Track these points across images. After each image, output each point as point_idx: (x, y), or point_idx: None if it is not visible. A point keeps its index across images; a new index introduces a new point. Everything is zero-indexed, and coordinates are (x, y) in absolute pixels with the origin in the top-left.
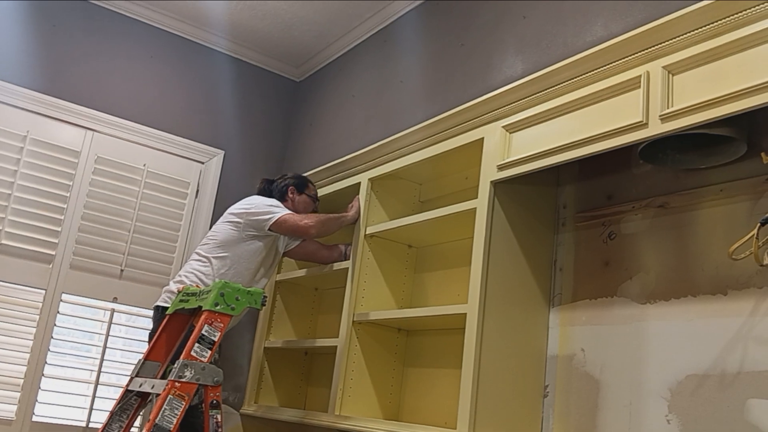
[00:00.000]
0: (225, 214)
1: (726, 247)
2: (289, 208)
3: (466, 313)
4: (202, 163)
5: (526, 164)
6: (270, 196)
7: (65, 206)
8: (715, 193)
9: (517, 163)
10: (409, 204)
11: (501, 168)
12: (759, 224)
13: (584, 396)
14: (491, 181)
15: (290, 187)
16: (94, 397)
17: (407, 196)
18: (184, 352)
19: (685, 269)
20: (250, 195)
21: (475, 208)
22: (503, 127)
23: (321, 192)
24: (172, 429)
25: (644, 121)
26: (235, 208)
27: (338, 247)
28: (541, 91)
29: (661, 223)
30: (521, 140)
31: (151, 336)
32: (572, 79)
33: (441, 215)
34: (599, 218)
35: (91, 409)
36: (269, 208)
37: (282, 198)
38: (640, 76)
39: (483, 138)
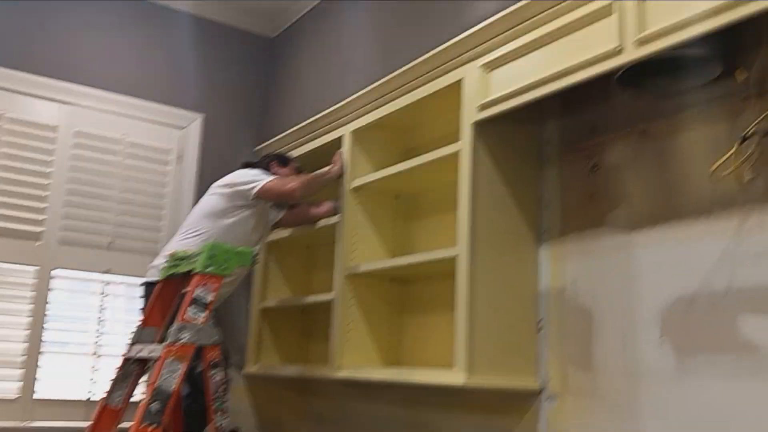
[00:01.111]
0: (211, 187)
1: (708, 169)
2: None
3: (456, 257)
4: (182, 128)
5: (506, 102)
6: (254, 167)
7: (49, 182)
8: (694, 115)
9: (497, 102)
10: (393, 153)
11: (482, 108)
12: (738, 141)
13: (578, 327)
14: (473, 122)
15: (272, 161)
16: (94, 369)
17: (391, 145)
18: (179, 315)
19: (669, 194)
20: (233, 159)
21: (459, 151)
22: (481, 66)
23: (304, 149)
24: (173, 390)
25: (620, 47)
26: (221, 181)
27: (328, 203)
28: (516, 26)
29: (643, 150)
30: (500, 78)
31: (142, 311)
32: (546, 10)
33: (425, 161)
34: (583, 151)
35: (93, 381)
36: (253, 177)
37: (265, 171)
38: (611, 3)
39: (462, 79)
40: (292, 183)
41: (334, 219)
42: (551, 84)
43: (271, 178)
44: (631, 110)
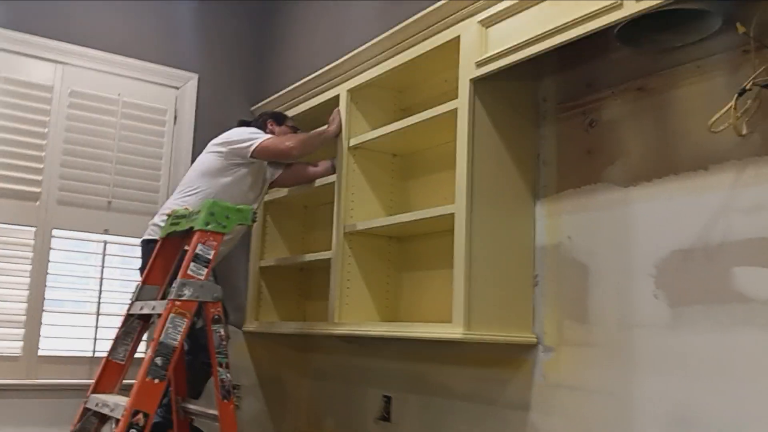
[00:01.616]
0: (208, 145)
1: (705, 124)
2: None
3: (453, 213)
4: (177, 88)
5: (504, 58)
6: (248, 125)
7: (45, 142)
8: (692, 70)
9: (495, 58)
10: (390, 113)
11: (479, 65)
12: (736, 95)
13: (573, 281)
14: (470, 79)
15: (269, 120)
16: (96, 327)
17: (388, 104)
18: (180, 272)
19: (666, 149)
20: (229, 119)
21: (456, 109)
22: (479, 22)
23: (300, 108)
24: (176, 345)
25: (619, 2)
26: (217, 139)
27: (325, 162)
28: None
29: (640, 106)
30: (498, 34)
31: (141, 271)
32: None
33: (422, 119)
34: (580, 107)
35: (96, 338)
36: (250, 135)
37: (261, 130)
38: None
39: (459, 36)
40: (289, 141)
41: (331, 178)
42: (549, 39)
43: (268, 136)
44: (628, 66)
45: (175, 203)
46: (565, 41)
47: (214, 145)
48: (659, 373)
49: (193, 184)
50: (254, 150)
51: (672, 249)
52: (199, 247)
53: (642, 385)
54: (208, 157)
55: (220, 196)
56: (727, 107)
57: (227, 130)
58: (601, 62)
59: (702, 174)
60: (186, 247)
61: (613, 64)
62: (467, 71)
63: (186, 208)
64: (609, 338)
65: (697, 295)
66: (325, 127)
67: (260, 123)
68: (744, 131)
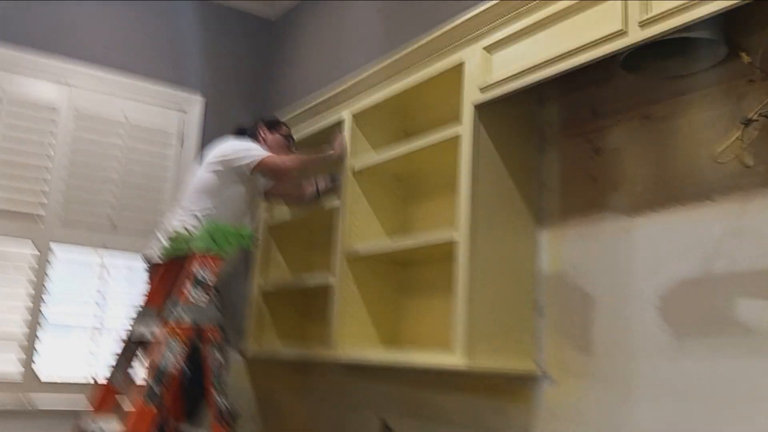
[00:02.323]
0: (204, 162)
1: (711, 153)
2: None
3: (455, 239)
4: (185, 112)
5: (508, 84)
6: (242, 132)
7: (50, 164)
8: (698, 99)
9: (499, 84)
10: (394, 135)
11: (483, 90)
12: (742, 125)
13: (577, 311)
14: (474, 104)
15: (260, 126)
16: (95, 347)
17: (392, 127)
18: (179, 296)
19: (671, 178)
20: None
21: (459, 134)
22: (483, 48)
23: (304, 131)
24: (172, 370)
25: (624, 30)
26: (213, 156)
27: (310, 187)
28: (518, 8)
29: (645, 134)
30: (502, 60)
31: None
32: None
33: (425, 144)
34: (584, 134)
35: (94, 359)
36: (248, 152)
37: (254, 138)
38: None
39: (463, 62)
40: (289, 162)
41: (334, 202)
42: (554, 66)
43: (267, 154)
44: (633, 93)
45: (175, 223)
46: (569, 68)
47: (210, 164)
48: (662, 404)
49: (192, 203)
50: (255, 167)
51: (676, 279)
52: (198, 270)
53: (645, 417)
54: (206, 176)
55: (220, 213)
56: (733, 138)
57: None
58: (606, 89)
59: (707, 204)
60: (186, 269)
61: (619, 91)
62: (471, 96)
63: (186, 232)
64: (612, 369)
65: (701, 326)
66: (329, 150)
67: (252, 129)
68: (750, 162)
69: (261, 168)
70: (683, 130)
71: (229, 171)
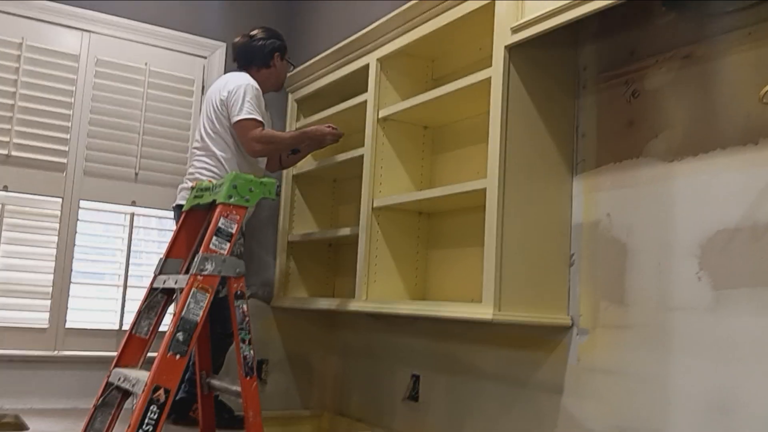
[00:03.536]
0: (209, 101)
1: (756, 95)
2: (266, 77)
3: (485, 188)
4: (205, 57)
5: (542, 23)
6: (252, 57)
7: (71, 112)
8: (742, 37)
9: (532, 23)
10: (422, 83)
11: (515, 30)
12: None
13: (611, 261)
14: (505, 46)
15: (276, 53)
16: (124, 299)
17: (420, 74)
18: (203, 246)
19: (713, 121)
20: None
21: (490, 77)
22: None
23: (330, 78)
24: (198, 321)
25: None
26: (217, 95)
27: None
28: None
29: (686, 75)
30: None
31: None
32: None
33: (455, 89)
34: (622, 76)
35: (123, 311)
36: (243, 102)
37: (266, 64)
38: None
39: (494, 0)
40: (259, 144)
41: (360, 151)
42: (590, 3)
43: (249, 116)
44: (675, 32)
45: (197, 171)
46: (607, 5)
47: (217, 104)
48: (700, 357)
49: (209, 147)
50: (235, 123)
51: (717, 228)
52: (222, 220)
53: (681, 370)
54: (215, 116)
55: (237, 153)
56: None
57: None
58: (645, 28)
59: (751, 148)
60: (210, 219)
61: (659, 31)
62: (502, 38)
63: (210, 181)
64: (647, 320)
65: (743, 277)
66: (314, 129)
67: (268, 53)
68: None
69: (237, 127)
70: (726, 71)
71: (225, 115)
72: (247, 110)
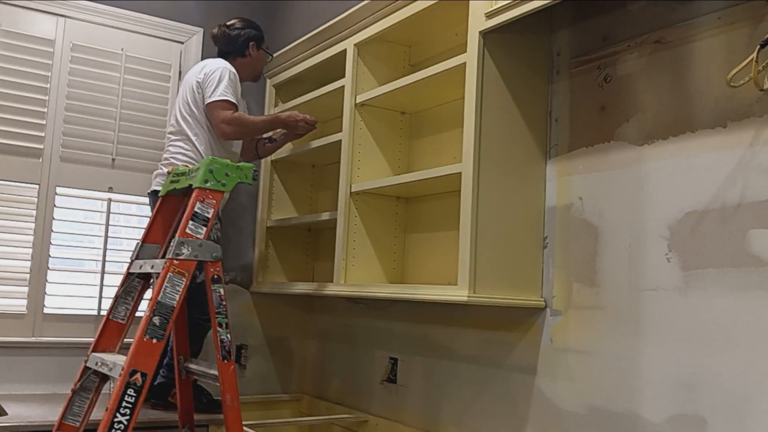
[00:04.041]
0: (186, 84)
1: (725, 79)
2: (242, 66)
3: (460, 173)
4: (182, 42)
5: (515, 8)
6: (228, 47)
7: (47, 98)
8: (712, 21)
9: (505, 9)
10: (399, 69)
11: (489, 16)
12: (758, 47)
13: (583, 243)
14: (480, 32)
15: (252, 42)
16: (101, 285)
17: (397, 60)
18: (179, 230)
19: (683, 106)
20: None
21: (465, 63)
22: None
23: (307, 64)
24: (175, 305)
25: None
26: (194, 78)
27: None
28: None
29: (657, 60)
30: None
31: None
32: None
33: (431, 74)
34: (594, 61)
35: (100, 296)
36: (217, 84)
37: (241, 53)
38: None
39: None
40: (230, 126)
41: (338, 136)
42: None
43: (222, 98)
44: (645, 17)
45: (172, 157)
46: None
47: (192, 86)
48: (669, 337)
49: (184, 130)
50: (208, 104)
51: (686, 210)
52: (198, 205)
53: (651, 350)
54: (191, 98)
55: (211, 137)
56: (747, 60)
57: None
58: (618, 13)
59: (720, 131)
60: (186, 204)
61: (631, 16)
62: (477, 23)
63: (186, 165)
64: (619, 302)
65: (711, 258)
66: (287, 114)
67: (243, 42)
68: (766, 86)
69: (209, 108)
70: (696, 55)
71: (200, 97)
72: (221, 92)
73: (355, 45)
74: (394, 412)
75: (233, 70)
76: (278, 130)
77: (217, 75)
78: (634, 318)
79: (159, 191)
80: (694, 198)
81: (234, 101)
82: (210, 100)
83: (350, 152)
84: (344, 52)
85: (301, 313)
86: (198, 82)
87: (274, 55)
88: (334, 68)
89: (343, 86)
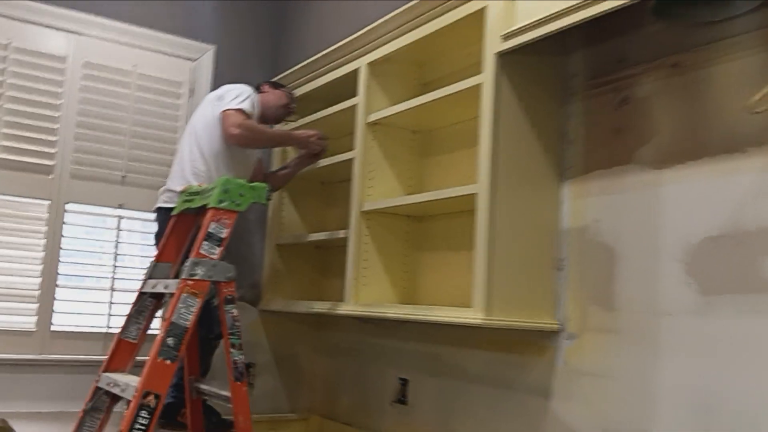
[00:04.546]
0: (207, 99)
1: (743, 103)
2: (261, 100)
3: (476, 194)
4: (194, 60)
5: (533, 31)
6: None
7: (58, 115)
8: (730, 47)
9: (523, 31)
10: (411, 88)
11: (506, 38)
12: None
13: (599, 266)
14: (496, 53)
15: (264, 84)
16: (111, 302)
17: (409, 79)
18: (193, 251)
19: (700, 130)
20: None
21: (481, 84)
22: None
23: (319, 82)
24: (188, 326)
25: None
26: (216, 93)
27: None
28: None
29: (674, 83)
30: (526, 6)
31: (156, 238)
32: None
33: (444, 94)
34: (610, 84)
35: (110, 314)
36: (235, 98)
37: (256, 90)
38: None
39: (485, 7)
40: (238, 129)
41: (349, 155)
42: (580, 12)
43: (238, 107)
44: (663, 40)
45: (182, 171)
46: (597, 14)
47: (211, 102)
48: (685, 361)
49: (197, 147)
50: (223, 112)
51: (703, 235)
52: (212, 225)
53: (668, 374)
54: (208, 114)
55: (223, 156)
56: (766, 88)
57: None
58: (634, 37)
59: (737, 156)
60: (200, 224)
61: (647, 39)
62: (493, 44)
63: (200, 185)
64: (635, 325)
65: (728, 283)
66: (296, 131)
67: (258, 85)
68: None
69: (223, 117)
70: (714, 80)
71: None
72: (238, 102)
73: (368, 64)
74: None
75: (257, 95)
76: (291, 159)
77: (238, 91)
78: (650, 342)
79: (165, 208)
80: (711, 222)
81: (249, 112)
82: (225, 108)
83: (362, 170)
84: (357, 70)
85: (310, 330)
86: (219, 95)
87: (287, 72)
88: (346, 86)
89: (355, 105)
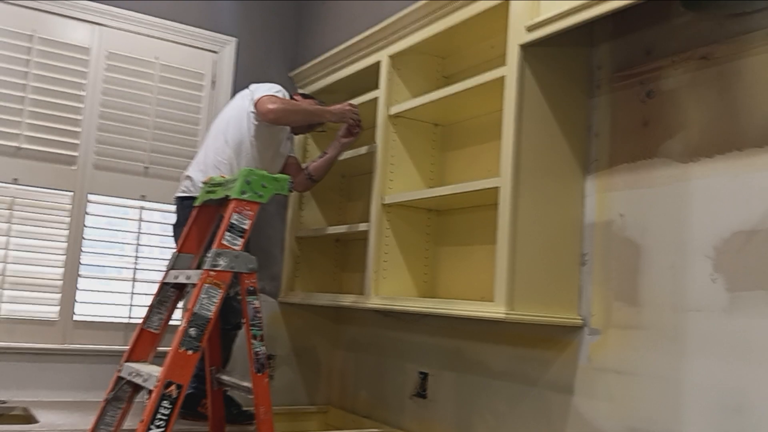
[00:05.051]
0: (237, 95)
1: None
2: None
3: (498, 187)
4: (216, 52)
5: (558, 22)
6: None
7: (82, 106)
8: (762, 38)
9: (548, 22)
10: (433, 80)
11: (530, 29)
12: None
13: (624, 261)
14: (520, 45)
15: (295, 94)
16: (132, 292)
17: (431, 71)
18: (215, 242)
19: (730, 123)
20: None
21: (504, 76)
22: None
23: (340, 75)
24: (210, 316)
25: None
26: (247, 88)
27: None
28: None
29: (704, 75)
30: None
31: (175, 227)
32: None
33: (467, 87)
34: (637, 76)
35: (131, 304)
36: (268, 88)
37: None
38: None
39: None
40: (273, 104)
41: (370, 148)
42: (607, 3)
43: (272, 92)
44: (692, 32)
45: (205, 162)
46: (624, 5)
47: (241, 96)
48: (713, 359)
49: (222, 138)
50: (257, 99)
51: (733, 230)
52: (235, 216)
53: (694, 371)
54: (238, 106)
55: (250, 148)
56: None
57: None
58: (661, 28)
59: None
60: (222, 215)
61: (675, 30)
62: (517, 36)
63: (222, 176)
64: (660, 321)
65: (759, 281)
66: (331, 107)
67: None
68: None
69: (257, 103)
70: (745, 72)
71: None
72: (272, 91)
73: (389, 56)
74: (424, 427)
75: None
76: (329, 147)
77: (270, 84)
78: (677, 338)
79: (183, 197)
80: (742, 217)
81: (282, 97)
82: (259, 95)
83: (383, 163)
84: (378, 63)
85: (329, 323)
86: (250, 90)
87: (309, 65)
88: (368, 79)
89: (376, 97)
